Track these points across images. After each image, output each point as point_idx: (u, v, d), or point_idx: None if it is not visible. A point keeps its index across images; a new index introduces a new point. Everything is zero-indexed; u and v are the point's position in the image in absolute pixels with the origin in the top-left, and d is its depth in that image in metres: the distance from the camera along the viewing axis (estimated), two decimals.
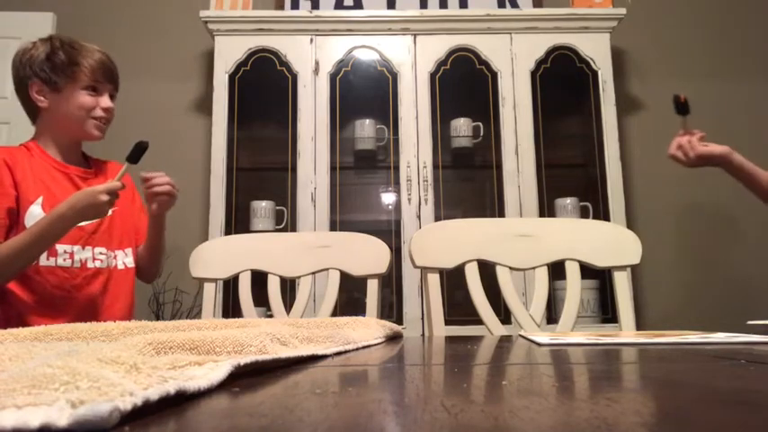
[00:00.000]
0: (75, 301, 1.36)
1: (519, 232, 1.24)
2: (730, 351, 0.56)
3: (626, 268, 1.23)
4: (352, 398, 0.30)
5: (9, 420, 0.20)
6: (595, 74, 2.35)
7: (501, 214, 2.26)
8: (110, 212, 1.35)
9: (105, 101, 1.43)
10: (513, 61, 2.34)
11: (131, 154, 1.33)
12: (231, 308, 2.11)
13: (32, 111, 1.43)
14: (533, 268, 1.22)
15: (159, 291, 2.31)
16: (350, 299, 2.22)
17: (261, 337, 0.44)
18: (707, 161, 1.49)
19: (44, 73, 1.38)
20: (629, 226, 2.15)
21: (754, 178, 1.50)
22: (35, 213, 1.33)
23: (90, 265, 1.40)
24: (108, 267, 1.43)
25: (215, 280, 1.33)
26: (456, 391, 0.32)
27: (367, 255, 1.30)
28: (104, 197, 1.25)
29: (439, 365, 0.49)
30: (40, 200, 1.35)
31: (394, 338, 0.83)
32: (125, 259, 1.47)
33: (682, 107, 1.49)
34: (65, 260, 1.36)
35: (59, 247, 1.35)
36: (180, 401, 0.27)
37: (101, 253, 1.42)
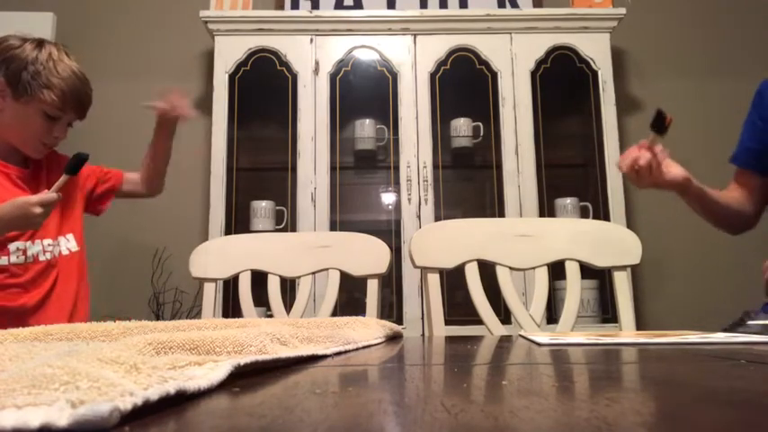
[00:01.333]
0: (28, 295, 1.33)
1: (519, 232, 1.24)
2: (730, 351, 0.56)
3: (626, 268, 1.23)
4: (352, 398, 0.30)
5: (9, 420, 0.20)
6: (595, 74, 2.35)
7: (501, 214, 2.26)
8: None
9: (59, 129, 1.37)
10: (513, 61, 2.34)
11: (70, 166, 1.27)
12: (231, 308, 2.11)
13: None
14: (533, 268, 1.22)
15: (159, 291, 2.31)
16: (350, 299, 2.22)
17: (261, 337, 0.44)
18: (663, 187, 1.27)
19: (14, 77, 1.30)
20: (629, 226, 2.15)
21: (712, 201, 1.32)
22: None
23: (41, 258, 1.35)
24: (55, 257, 1.38)
25: (215, 280, 1.33)
26: (456, 391, 0.32)
27: (367, 255, 1.30)
28: (37, 209, 1.20)
29: (439, 365, 0.49)
30: None
31: (394, 338, 0.83)
32: (68, 245, 1.42)
33: (661, 126, 1.16)
34: (18, 257, 1.32)
35: (11, 246, 1.31)
36: (180, 401, 0.27)
37: (48, 244, 1.37)
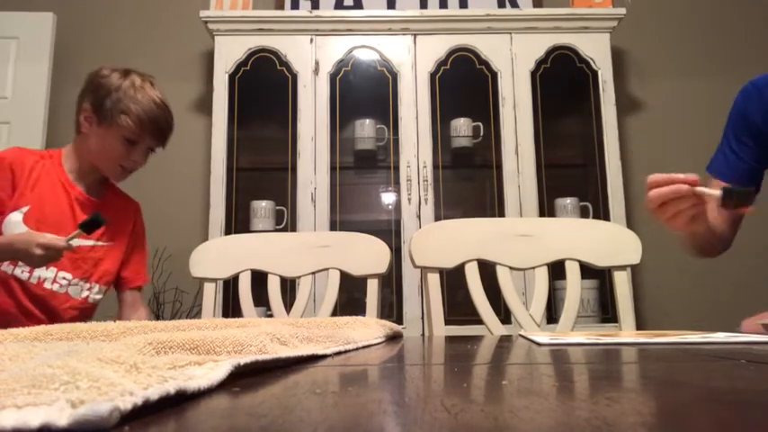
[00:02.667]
0: (25, 319, 1.32)
1: (519, 232, 1.24)
2: (730, 351, 0.56)
3: (626, 268, 1.23)
4: (352, 398, 0.30)
5: (9, 420, 0.20)
6: (595, 74, 2.35)
7: (501, 214, 2.26)
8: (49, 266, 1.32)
9: (138, 155, 1.42)
10: (513, 61, 2.34)
11: (87, 224, 1.27)
12: (231, 308, 2.11)
13: (78, 124, 1.43)
14: (533, 268, 1.22)
15: (159, 291, 2.31)
16: (350, 299, 2.22)
17: (261, 336, 0.44)
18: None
19: (99, 104, 1.37)
20: (629, 226, 2.15)
21: (708, 231, 1.15)
22: (13, 220, 1.31)
23: (47, 285, 1.35)
24: (66, 294, 1.38)
25: (215, 280, 1.33)
26: (456, 391, 0.32)
27: (367, 255, 1.30)
28: (38, 251, 1.20)
29: (439, 365, 0.49)
30: (25, 209, 1.33)
31: (394, 338, 0.83)
32: (96, 295, 1.44)
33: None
34: (23, 272, 1.33)
35: None
36: (180, 401, 0.27)
37: (63, 278, 1.37)
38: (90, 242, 1.41)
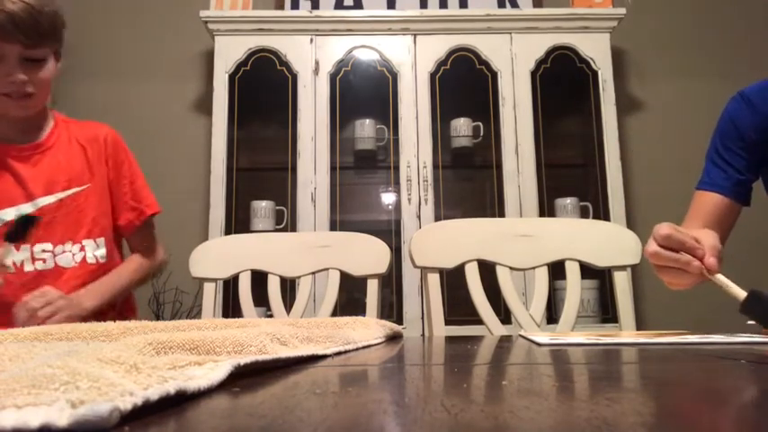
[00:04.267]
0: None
1: (519, 232, 1.24)
2: (730, 351, 0.56)
3: (626, 268, 1.23)
4: (352, 398, 0.30)
5: (9, 420, 0.20)
6: (595, 74, 2.35)
7: (501, 214, 2.26)
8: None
9: (11, 70, 1.07)
10: (513, 61, 2.34)
11: (13, 233, 1.08)
12: (231, 308, 2.11)
13: None
14: (533, 268, 1.22)
15: (159, 291, 2.31)
16: (350, 299, 2.22)
17: (261, 337, 0.44)
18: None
19: None
20: (629, 226, 2.15)
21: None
22: None
23: (28, 267, 1.13)
24: (57, 267, 1.15)
25: (215, 280, 1.33)
26: (456, 391, 0.32)
27: (367, 255, 1.30)
28: None
29: (439, 365, 0.49)
30: None
31: (394, 338, 0.83)
32: (96, 251, 1.19)
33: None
34: None
35: None
36: (180, 401, 0.27)
37: (43, 251, 1.14)
38: (51, 199, 1.14)
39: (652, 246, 0.85)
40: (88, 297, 1.13)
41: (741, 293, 0.73)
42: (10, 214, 1.14)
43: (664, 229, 0.84)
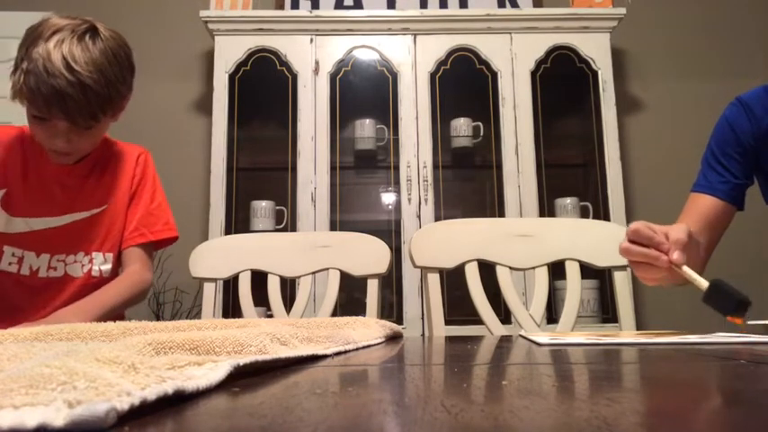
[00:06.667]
0: (27, 314, 1.11)
1: (519, 232, 1.24)
2: (730, 351, 0.56)
3: (626, 268, 1.23)
4: (352, 398, 0.30)
5: (6, 420, 0.20)
6: (595, 74, 2.35)
7: (501, 214, 2.26)
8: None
9: (55, 135, 1.05)
10: (513, 61, 2.34)
11: None
12: (231, 308, 2.11)
13: None
14: (533, 268, 1.22)
15: (159, 291, 2.30)
16: (350, 299, 2.22)
17: (261, 337, 0.44)
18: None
19: (15, 66, 1.03)
20: None
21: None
22: None
23: (42, 274, 1.15)
24: (66, 275, 1.17)
25: (215, 280, 1.33)
26: (456, 391, 0.32)
27: (367, 255, 1.30)
28: None
29: (439, 365, 0.49)
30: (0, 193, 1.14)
31: (394, 338, 0.83)
32: (102, 265, 1.20)
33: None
34: (10, 264, 1.13)
35: (7, 249, 1.13)
36: (181, 402, 0.27)
37: (58, 260, 1.16)
38: (85, 215, 1.18)
39: (624, 242, 0.87)
40: (76, 316, 1.05)
41: (705, 284, 0.76)
42: (39, 225, 1.15)
43: (634, 224, 0.86)
